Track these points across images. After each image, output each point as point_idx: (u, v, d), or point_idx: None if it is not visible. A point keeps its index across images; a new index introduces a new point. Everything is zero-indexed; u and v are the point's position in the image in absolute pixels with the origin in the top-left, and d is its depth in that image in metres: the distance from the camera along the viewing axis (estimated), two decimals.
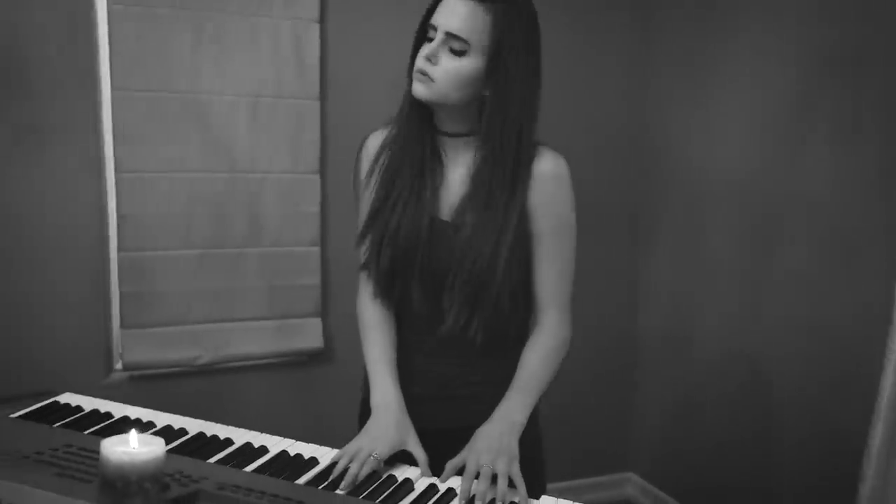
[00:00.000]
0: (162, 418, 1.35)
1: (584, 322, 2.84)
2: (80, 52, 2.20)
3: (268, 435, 1.28)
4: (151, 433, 1.28)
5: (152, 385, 2.36)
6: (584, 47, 2.82)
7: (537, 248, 1.34)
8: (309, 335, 2.49)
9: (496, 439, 1.19)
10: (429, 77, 1.23)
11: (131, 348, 2.31)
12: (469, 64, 1.22)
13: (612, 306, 3.00)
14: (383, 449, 1.18)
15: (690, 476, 2.78)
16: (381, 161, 1.34)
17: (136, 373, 2.34)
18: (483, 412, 1.28)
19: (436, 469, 1.19)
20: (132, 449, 0.94)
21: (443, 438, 1.28)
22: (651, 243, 2.94)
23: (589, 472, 3.08)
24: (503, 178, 1.27)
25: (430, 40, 1.24)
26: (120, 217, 2.27)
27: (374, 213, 1.33)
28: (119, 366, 2.36)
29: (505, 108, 1.25)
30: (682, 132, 2.76)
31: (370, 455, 1.15)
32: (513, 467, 1.15)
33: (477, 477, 1.12)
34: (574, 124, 2.79)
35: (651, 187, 2.93)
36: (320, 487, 1.10)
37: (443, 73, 1.23)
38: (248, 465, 1.16)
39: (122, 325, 2.31)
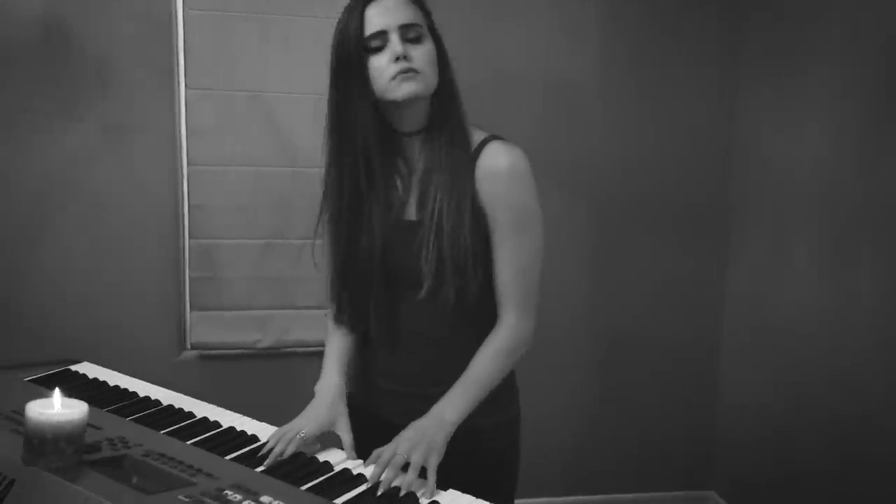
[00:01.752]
0: (149, 391, 1.46)
1: (668, 330, 2.77)
2: (161, 55, 2.41)
3: (231, 413, 1.35)
4: (130, 402, 1.40)
5: (217, 364, 2.53)
6: (671, 51, 2.72)
7: (496, 244, 1.31)
8: None
9: (421, 432, 1.19)
10: (414, 70, 1.22)
11: (199, 329, 2.49)
12: (429, 45, 1.26)
13: (696, 316, 2.87)
14: (311, 428, 1.23)
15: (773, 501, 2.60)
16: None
17: (203, 352, 2.52)
18: None
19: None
20: (51, 411, 1.04)
21: None
22: (738, 252, 2.79)
23: (668, 487, 2.96)
24: (457, 164, 1.28)
25: (379, 49, 1.23)
26: (192, 207, 2.46)
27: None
28: (189, 345, 2.54)
29: (453, 92, 1.30)
30: (770, 137, 2.60)
31: (297, 434, 1.20)
32: (430, 459, 1.14)
33: None
34: (660, 129, 2.74)
35: (738, 193, 2.77)
36: (245, 464, 1.15)
37: (422, 61, 1.24)
38: (192, 437, 1.23)
39: (192, 308, 2.49)
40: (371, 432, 1.27)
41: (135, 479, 1.05)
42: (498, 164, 1.29)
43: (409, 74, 1.22)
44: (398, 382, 1.38)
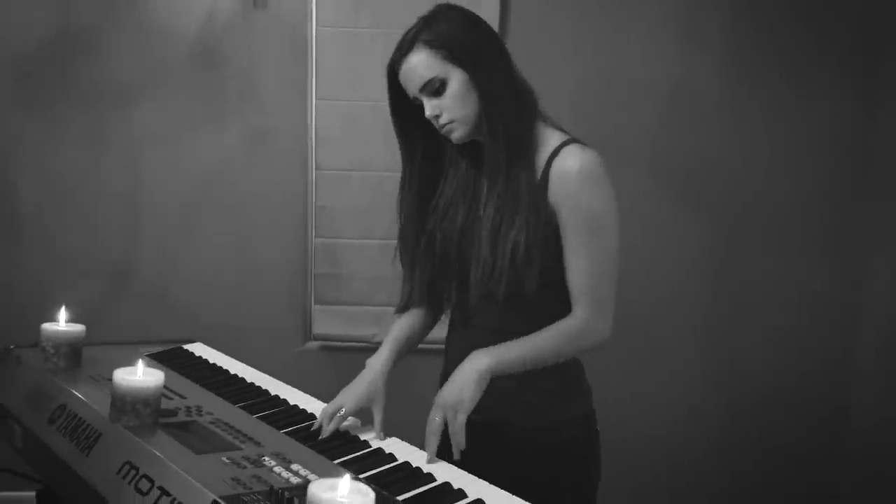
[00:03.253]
0: (237, 369, 1.63)
1: (794, 350, 2.65)
2: (295, 70, 2.63)
3: (300, 392, 1.50)
4: (221, 378, 1.57)
5: (337, 355, 2.71)
6: (799, 55, 2.61)
7: (565, 243, 1.33)
8: None
9: (453, 389, 1.26)
10: (450, 123, 1.32)
11: (321, 322, 2.70)
12: (454, 87, 1.30)
13: (826, 337, 2.72)
14: (350, 404, 1.34)
15: None
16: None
17: (324, 343, 2.71)
18: (515, 409, 1.37)
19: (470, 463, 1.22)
20: (132, 377, 1.22)
21: (474, 429, 1.28)
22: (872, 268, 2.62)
23: None
24: (507, 173, 1.33)
25: (421, 103, 1.33)
26: (318, 208, 2.66)
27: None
28: (312, 336, 2.74)
29: (492, 104, 1.32)
30: None
31: (338, 410, 1.32)
32: (457, 417, 1.22)
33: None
34: (786, 137, 2.66)
35: (876, 204, 2.60)
36: (295, 437, 1.27)
37: (451, 110, 1.31)
38: (260, 412, 1.37)
39: (316, 302, 2.70)
40: None
41: (195, 441, 1.20)
42: (569, 165, 1.32)
43: (448, 128, 1.32)
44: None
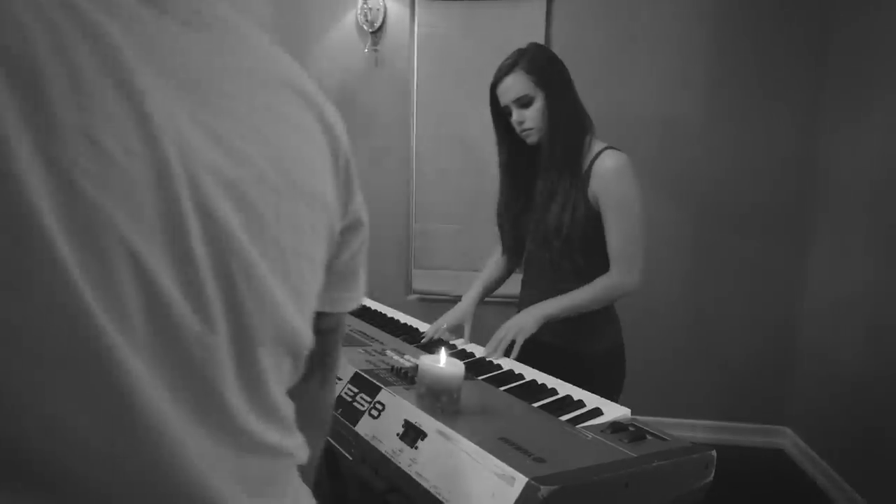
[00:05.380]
0: (368, 303, 1.69)
1: (755, 300, 2.57)
2: (403, 108, 2.69)
3: (409, 316, 1.56)
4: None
5: (429, 305, 2.77)
6: (759, 90, 2.52)
7: (605, 222, 1.31)
8: None
9: (516, 320, 1.29)
10: (529, 129, 1.32)
11: (419, 281, 2.76)
12: (538, 104, 1.30)
13: (779, 292, 2.63)
14: (449, 320, 1.43)
15: (847, 442, 2.31)
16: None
17: (421, 296, 2.78)
18: (568, 337, 1.36)
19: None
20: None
21: (543, 350, 1.32)
22: (813, 243, 2.51)
23: (744, 419, 2.72)
24: (559, 171, 1.33)
25: (510, 113, 1.33)
26: (417, 203, 2.72)
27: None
28: (413, 291, 2.81)
29: (555, 120, 1.31)
30: (841, 154, 2.32)
31: (441, 326, 1.39)
32: (518, 337, 1.24)
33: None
34: (747, 150, 2.55)
35: (812, 200, 2.50)
36: (406, 340, 1.34)
37: (532, 121, 1.31)
38: (384, 327, 1.43)
39: (415, 267, 2.77)
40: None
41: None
42: (606, 164, 1.31)
43: (526, 132, 1.33)
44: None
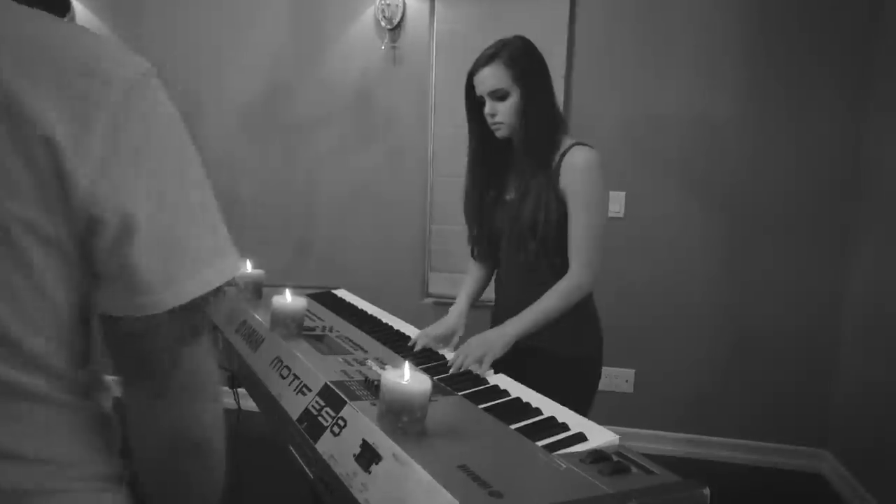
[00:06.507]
0: (366, 307, 1.64)
1: (792, 314, 2.40)
2: (421, 107, 2.63)
3: (404, 322, 1.49)
4: (352, 312, 1.58)
5: (445, 309, 2.62)
6: (792, 85, 2.35)
7: (570, 216, 1.30)
8: None
9: (483, 339, 1.24)
10: (500, 124, 1.30)
11: (434, 284, 2.69)
12: (513, 100, 1.28)
13: (818, 304, 2.45)
14: (438, 330, 1.36)
15: (890, 469, 2.12)
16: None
17: (436, 300, 2.71)
18: (543, 337, 1.30)
19: (517, 374, 1.18)
20: (285, 301, 1.25)
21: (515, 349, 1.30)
22: (853, 252, 2.32)
23: (784, 440, 2.55)
24: (532, 170, 1.30)
25: (483, 103, 1.31)
26: (434, 203, 2.65)
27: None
28: (428, 294, 2.75)
29: (537, 119, 1.27)
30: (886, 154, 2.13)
31: (430, 336, 1.32)
32: (485, 357, 1.19)
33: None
34: (780, 150, 2.38)
35: (852, 202, 2.31)
36: (393, 349, 1.27)
37: (504, 116, 1.29)
38: (372, 333, 1.37)
39: (431, 270, 2.70)
40: None
41: (323, 347, 1.22)
42: (575, 160, 1.29)
43: (496, 126, 1.30)
44: (507, 311, 1.41)
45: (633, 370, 2.58)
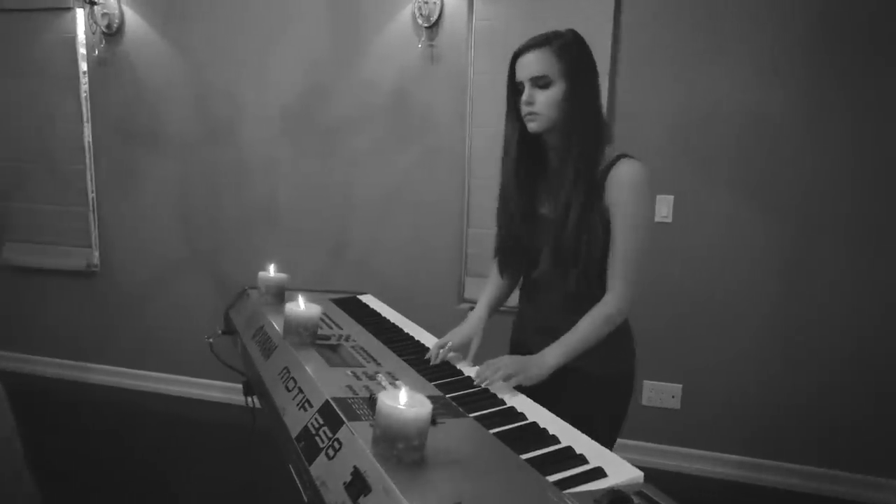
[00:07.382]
0: (389, 314, 1.58)
1: (862, 324, 2.19)
2: (458, 105, 2.56)
3: (427, 333, 1.42)
4: (373, 319, 1.53)
5: None
6: (860, 84, 2.14)
7: (612, 234, 1.19)
8: None
9: (523, 362, 1.15)
10: (535, 115, 1.19)
11: (471, 289, 2.62)
12: (555, 91, 1.18)
13: (888, 314, 2.22)
14: (456, 340, 1.29)
15: None
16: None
17: (473, 306, 2.62)
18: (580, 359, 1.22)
19: (539, 397, 1.12)
20: (298, 308, 1.20)
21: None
22: None
23: (849, 468, 2.35)
24: (574, 178, 1.18)
25: (521, 91, 1.20)
26: (471, 206, 2.58)
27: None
28: (464, 299, 2.67)
29: (573, 115, 1.17)
30: None
31: (445, 344, 1.25)
32: (515, 378, 1.11)
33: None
34: (848, 152, 2.17)
35: None
36: (408, 362, 1.20)
37: (542, 106, 1.18)
38: (391, 343, 1.32)
39: (468, 274, 2.62)
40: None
41: (335, 358, 1.17)
42: (622, 175, 1.18)
43: (531, 116, 1.19)
44: (535, 333, 1.32)
45: (681, 385, 2.42)
